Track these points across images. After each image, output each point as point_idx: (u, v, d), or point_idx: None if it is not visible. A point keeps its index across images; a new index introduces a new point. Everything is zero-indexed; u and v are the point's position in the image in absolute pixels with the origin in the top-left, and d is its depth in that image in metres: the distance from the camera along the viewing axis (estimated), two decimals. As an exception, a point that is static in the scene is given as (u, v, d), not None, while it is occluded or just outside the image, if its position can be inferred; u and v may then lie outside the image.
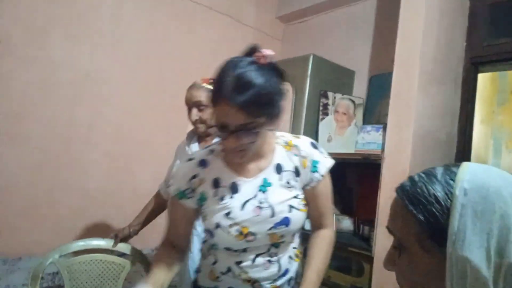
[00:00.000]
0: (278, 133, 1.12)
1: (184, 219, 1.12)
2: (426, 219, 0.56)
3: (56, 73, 2.24)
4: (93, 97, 2.40)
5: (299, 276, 1.15)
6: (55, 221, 2.26)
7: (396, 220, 0.62)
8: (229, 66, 0.92)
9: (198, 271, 1.21)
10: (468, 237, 0.51)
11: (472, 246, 0.50)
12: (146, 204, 1.91)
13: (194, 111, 1.59)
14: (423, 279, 0.59)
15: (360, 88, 2.65)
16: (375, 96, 2.50)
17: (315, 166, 1.08)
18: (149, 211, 1.85)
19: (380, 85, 2.45)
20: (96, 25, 2.39)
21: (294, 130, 2.42)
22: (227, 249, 1.05)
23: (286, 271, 1.11)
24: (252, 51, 0.94)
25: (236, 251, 1.06)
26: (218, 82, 0.92)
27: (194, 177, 1.06)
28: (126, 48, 2.53)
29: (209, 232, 1.06)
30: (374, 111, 2.47)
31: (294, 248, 1.16)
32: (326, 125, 2.41)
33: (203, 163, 1.07)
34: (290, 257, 1.14)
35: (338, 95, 2.47)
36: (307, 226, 1.19)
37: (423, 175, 0.60)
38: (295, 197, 1.07)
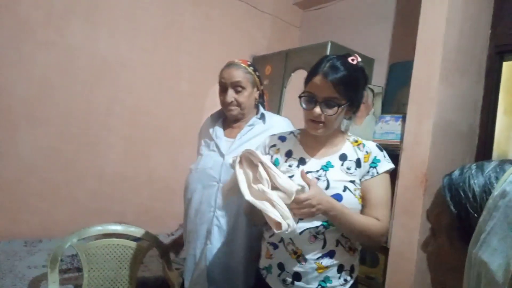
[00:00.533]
0: (350, 133, 1.28)
1: None
2: (458, 213, 0.54)
3: (75, 58, 2.27)
4: (110, 82, 2.41)
5: (355, 270, 1.20)
6: (73, 204, 2.31)
7: (433, 207, 0.61)
8: (327, 57, 1.16)
9: (258, 255, 1.29)
10: (494, 242, 0.47)
11: (495, 252, 0.47)
12: None
13: (231, 92, 1.44)
14: (443, 272, 0.57)
15: (379, 76, 2.59)
16: (394, 85, 2.45)
17: (374, 163, 1.19)
18: None
19: (400, 74, 2.39)
20: (114, 11, 2.39)
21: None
22: None
23: (332, 253, 1.14)
24: (347, 55, 1.16)
25: None
26: (315, 65, 1.15)
27: (273, 146, 1.29)
28: (143, 34, 2.53)
29: None
30: (393, 100, 2.42)
31: (346, 237, 1.16)
32: (343, 114, 2.37)
33: (282, 138, 1.30)
34: (340, 243, 1.16)
35: (356, 84, 2.42)
36: None
37: (473, 166, 0.57)
38: (351, 181, 1.16)
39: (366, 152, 1.20)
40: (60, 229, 2.15)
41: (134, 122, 2.53)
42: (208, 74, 2.60)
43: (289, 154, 1.25)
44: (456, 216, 0.54)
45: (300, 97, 1.16)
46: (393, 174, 1.88)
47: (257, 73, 1.52)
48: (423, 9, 1.89)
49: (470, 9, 1.92)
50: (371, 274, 2.01)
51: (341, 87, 1.10)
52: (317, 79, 1.12)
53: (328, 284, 1.14)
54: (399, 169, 1.86)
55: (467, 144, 1.99)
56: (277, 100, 2.76)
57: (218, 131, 1.52)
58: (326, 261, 1.14)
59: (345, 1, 2.97)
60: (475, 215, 0.51)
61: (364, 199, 1.18)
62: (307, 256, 1.13)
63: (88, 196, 2.37)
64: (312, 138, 1.22)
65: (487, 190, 0.52)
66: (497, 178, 0.52)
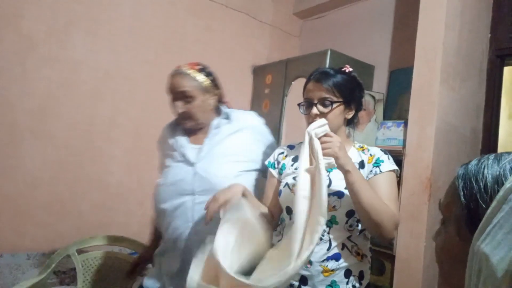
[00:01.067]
0: (356, 141, 1.33)
1: (271, 189, 1.34)
2: (468, 203, 0.52)
3: (78, 71, 2.29)
4: (113, 95, 2.43)
5: (365, 277, 1.20)
6: (78, 216, 2.30)
7: (446, 196, 0.59)
8: (319, 68, 1.27)
9: None
10: (499, 235, 0.45)
11: (498, 246, 0.44)
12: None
13: (179, 103, 1.33)
14: (451, 264, 0.56)
15: (380, 83, 2.60)
16: (395, 91, 2.45)
17: (377, 163, 1.21)
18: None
19: (401, 80, 2.40)
20: (115, 24, 2.42)
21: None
22: (288, 211, 1.22)
23: (338, 256, 1.14)
24: (340, 67, 1.26)
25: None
26: (310, 74, 1.25)
27: (282, 153, 1.36)
28: (144, 46, 2.55)
29: (279, 193, 1.27)
30: (395, 106, 2.42)
31: (352, 242, 1.17)
32: (345, 121, 2.37)
33: (291, 147, 1.38)
34: (346, 247, 1.16)
35: (358, 91, 2.43)
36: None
37: (491, 157, 0.54)
38: None
39: (370, 154, 1.24)
40: (65, 242, 2.14)
41: (137, 134, 2.54)
42: (210, 84, 2.61)
43: (295, 159, 1.31)
44: (465, 206, 0.52)
45: (299, 105, 1.25)
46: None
47: (210, 77, 1.40)
48: (422, 15, 1.90)
49: (468, 13, 1.93)
50: (378, 283, 1.98)
51: (333, 87, 1.19)
52: (310, 85, 1.22)
53: None
54: (403, 175, 1.85)
55: (470, 148, 1.98)
56: (278, 108, 2.77)
57: (180, 140, 1.41)
58: (331, 264, 1.14)
59: (344, 10, 2.99)
60: (484, 206, 0.49)
61: None
62: (312, 259, 1.13)
63: (93, 209, 2.36)
64: None
65: (500, 182, 0.49)
66: None
